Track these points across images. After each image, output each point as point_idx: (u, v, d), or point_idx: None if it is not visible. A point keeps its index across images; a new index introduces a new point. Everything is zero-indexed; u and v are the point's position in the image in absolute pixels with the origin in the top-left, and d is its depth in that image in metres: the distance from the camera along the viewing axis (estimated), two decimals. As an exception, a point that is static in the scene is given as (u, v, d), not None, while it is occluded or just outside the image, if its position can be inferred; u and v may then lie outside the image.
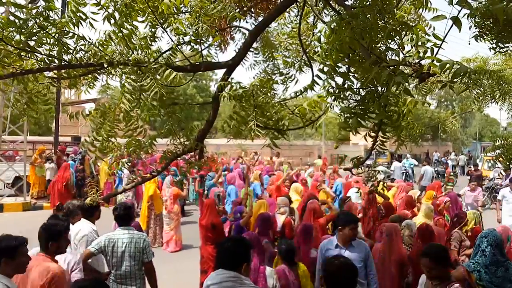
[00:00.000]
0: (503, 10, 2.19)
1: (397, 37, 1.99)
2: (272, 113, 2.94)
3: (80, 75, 3.11)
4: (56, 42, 2.89)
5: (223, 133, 28.70)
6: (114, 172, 11.01)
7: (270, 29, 4.53)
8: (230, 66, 3.10)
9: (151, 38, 3.08)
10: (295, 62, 4.38)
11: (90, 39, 3.02)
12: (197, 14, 2.71)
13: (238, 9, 3.55)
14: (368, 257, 3.72)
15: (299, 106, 2.36)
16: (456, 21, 1.61)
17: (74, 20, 2.84)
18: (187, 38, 2.88)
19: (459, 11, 1.70)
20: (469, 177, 14.62)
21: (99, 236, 3.80)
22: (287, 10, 4.02)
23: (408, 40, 2.03)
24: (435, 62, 1.67)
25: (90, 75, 3.20)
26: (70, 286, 2.35)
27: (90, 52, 2.91)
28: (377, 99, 2.35)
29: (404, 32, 2.00)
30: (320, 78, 2.84)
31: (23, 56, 2.91)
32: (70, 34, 2.93)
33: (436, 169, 21.13)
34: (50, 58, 2.92)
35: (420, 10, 2.96)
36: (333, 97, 2.57)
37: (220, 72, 3.44)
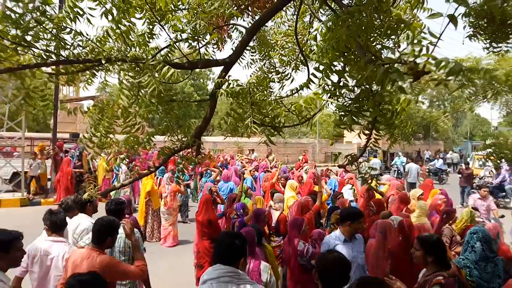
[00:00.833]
0: (499, 9, 2.25)
1: (393, 35, 2.03)
2: (269, 110, 2.96)
3: (78, 71, 3.10)
4: (53, 37, 2.89)
5: (220, 131, 28.67)
6: (112, 168, 11.04)
7: (267, 28, 4.56)
8: (227, 64, 3.13)
9: (149, 35, 3.09)
10: (291, 60, 4.42)
11: (87, 35, 3.02)
12: (195, 11, 2.73)
13: (235, 7, 3.57)
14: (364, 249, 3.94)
15: (295, 103, 2.39)
16: (453, 19, 1.64)
17: (71, 16, 2.84)
18: (184, 35, 2.89)
19: (456, 9, 1.74)
20: (460, 176, 14.79)
21: None
22: (284, 8, 4.05)
23: (403, 38, 2.07)
24: (430, 60, 1.71)
25: (88, 72, 3.20)
26: (68, 280, 2.36)
27: (87, 48, 2.90)
28: (372, 97, 2.40)
29: (400, 30, 2.04)
30: (316, 76, 2.88)
31: (19, 51, 2.90)
32: (68, 30, 2.92)
33: (427, 167, 21.37)
34: (47, 54, 2.92)
35: (415, 10, 3.00)
36: (329, 94, 2.61)
37: (217, 71, 3.47)
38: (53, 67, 3.19)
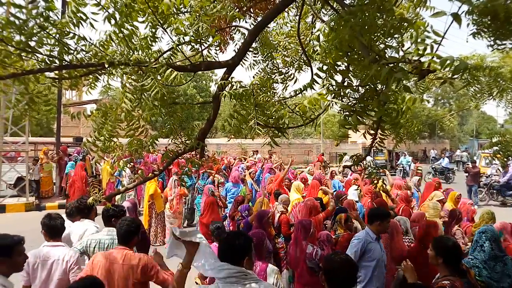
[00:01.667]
0: (503, 7, 2.22)
1: (397, 34, 2.01)
2: (272, 111, 2.95)
3: (81, 75, 3.11)
4: (56, 43, 2.90)
5: (223, 133, 28.70)
6: (115, 171, 11.07)
7: (269, 29, 4.55)
8: (230, 65, 3.12)
9: (152, 39, 3.10)
10: (294, 61, 4.40)
11: (90, 39, 3.02)
12: (197, 14, 2.72)
13: (237, 9, 3.56)
14: None
15: (299, 104, 2.38)
16: (456, 18, 1.63)
17: (74, 21, 2.85)
18: (187, 38, 2.89)
19: (459, 7, 1.72)
20: (466, 174, 14.68)
21: None
22: (286, 10, 4.04)
23: (407, 37, 2.05)
24: (435, 58, 1.69)
25: (91, 76, 3.21)
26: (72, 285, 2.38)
27: (91, 53, 2.91)
28: (376, 97, 2.38)
29: (403, 29, 2.02)
30: (319, 77, 2.87)
31: (23, 57, 2.91)
32: (71, 35, 2.93)
33: (433, 166, 21.26)
34: (51, 59, 2.93)
35: (418, 9, 2.98)
36: (333, 94, 2.59)
37: (219, 73, 3.48)
38: (56, 72, 3.21)
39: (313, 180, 8.25)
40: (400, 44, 2.08)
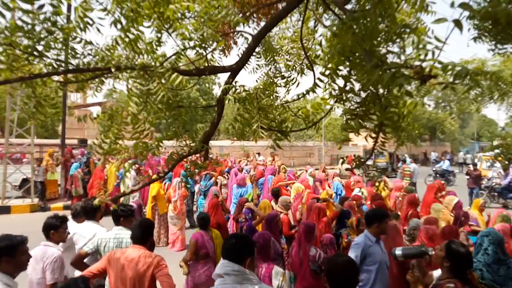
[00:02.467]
0: (505, 12, 2.26)
1: (399, 40, 2.05)
2: (276, 115, 3.00)
3: (87, 79, 3.16)
4: (63, 47, 2.95)
5: (226, 135, 28.76)
6: (119, 170, 11.05)
7: (272, 34, 4.60)
8: (234, 70, 3.17)
9: (157, 43, 3.15)
10: (297, 65, 4.45)
11: (97, 43, 3.08)
12: (202, 20, 2.77)
13: (241, 14, 3.61)
14: None
15: (303, 108, 2.42)
16: (458, 24, 1.67)
17: (81, 25, 2.90)
18: (192, 43, 2.94)
19: (461, 14, 1.77)
20: (468, 177, 14.68)
21: None
22: (289, 14, 4.09)
23: (409, 43, 2.10)
24: (436, 64, 1.73)
25: (97, 79, 3.26)
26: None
27: (98, 57, 2.96)
28: (378, 101, 2.42)
29: (405, 35, 2.06)
30: (322, 81, 2.91)
31: (31, 61, 2.96)
32: (78, 39, 2.99)
33: (434, 168, 21.25)
34: (58, 63, 2.98)
35: (419, 14, 3.03)
36: (336, 99, 2.63)
37: (222, 76, 3.53)
38: (63, 75, 3.26)
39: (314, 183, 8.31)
40: (401, 50, 2.12)
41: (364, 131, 2.87)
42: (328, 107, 2.83)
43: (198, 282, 4.41)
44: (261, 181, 9.88)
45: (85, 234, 3.91)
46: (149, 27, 3.03)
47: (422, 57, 1.92)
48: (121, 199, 9.07)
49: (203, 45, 2.92)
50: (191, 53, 3.34)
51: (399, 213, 6.70)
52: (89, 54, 3.06)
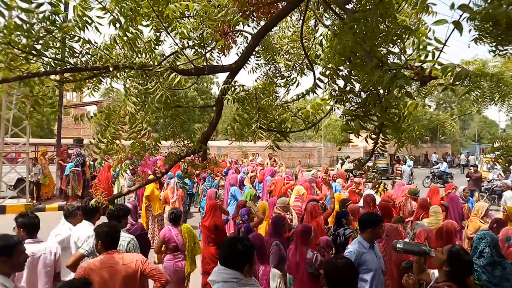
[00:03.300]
0: (505, 14, 2.24)
1: (399, 41, 2.03)
2: (275, 115, 2.97)
3: (85, 78, 3.14)
4: (62, 46, 2.93)
5: (224, 135, 28.76)
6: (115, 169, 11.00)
7: (271, 33, 4.57)
8: (233, 69, 3.14)
9: (155, 42, 3.13)
10: (296, 65, 4.43)
11: (95, 42, 3.05)
12: (202, 19, 2.75)
13: (240, 13, 3.59)
14: None
15: (302, 109, 2.40)
16: (458, 25, 1.65)
17: (80, 24, 2.89)
18: (191, 42, 2.92)
19: (461, 15, 1.75)
20: (468, 179, 14.67)
21: None
22: (289, 14, 4.06)
23: (409, 44, 2.08)
24: (436, 65, 1.71)
25: (95, 78, 3.24)
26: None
27: (96, 56, 2.94)
28: (378, 102, 2.40)
29: (406, 36, 2.04)
30: (322, 81, 2.89)
31: (30, 60, 2.94)
32: (76, 38, 2.97)
33: (432, 170, 21.24)
34: (56, 62, 2.96)
35: (420, 14, 3.00)
36: (336, 99, 2.61)
37: (221, 75, 3.51)
38: (61, 74, 3.24)
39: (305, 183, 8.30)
40: (402, 51, 2.10)
41: (364, 132, 2.85)
42: (328, 107, 2.81)
43: (168, 272, 4.67)
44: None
45: (81, 234, 3.88)
46: (147, 26, 3.01)
47: (422, 58, 1.90)
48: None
49: (202, 44, 2.90)
50: (189, 52, 3.32)
51: (400, 214, 6.68)
52: (87, 53, 3.05)
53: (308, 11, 3.84)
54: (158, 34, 3.07)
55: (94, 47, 3.02)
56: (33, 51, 2.83)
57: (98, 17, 2.91)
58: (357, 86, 2.60)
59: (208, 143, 3.47)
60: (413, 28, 2.15)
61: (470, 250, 3.54)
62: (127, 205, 4.52)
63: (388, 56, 2.26)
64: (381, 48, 2.30)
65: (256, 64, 4.43)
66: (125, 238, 3.77)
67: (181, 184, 7.86)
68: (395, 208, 6.86)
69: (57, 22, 2.82)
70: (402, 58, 2.10)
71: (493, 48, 3.61)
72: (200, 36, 2.75)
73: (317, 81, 3.01)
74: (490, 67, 6.28)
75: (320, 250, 4.18)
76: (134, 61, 2.93)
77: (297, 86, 4.41)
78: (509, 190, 9.76)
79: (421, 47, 1.82)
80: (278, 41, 4.57)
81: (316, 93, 3.35)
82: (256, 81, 4.33)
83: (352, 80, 2.45)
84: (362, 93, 2.65)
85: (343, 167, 11.66)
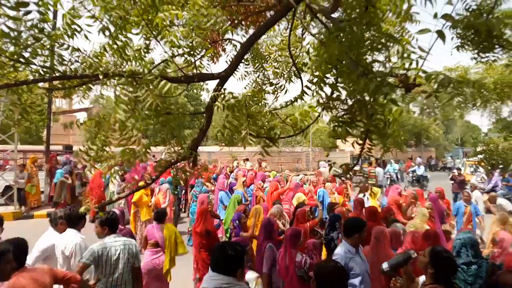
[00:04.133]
0: (485, 24, 2.34)
1: (384, 49, 2.10)
2: (264, 122, 3.02)
3: (75, 86, 3.14)
4: (50, 54, 2.93)
5: (214, 141, 28.67)
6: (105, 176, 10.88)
7: (260, 41, 4.64)
8: (223, 77, 3.18)
9: (145, 50, 3.15)
10: (284, 72, 4.49)
11: (85, 50, 3.06)
12: (191, 28, 2.78)
13: (229, 22, 3.64)
14: None
15: (291, 116, 2.45)
16: (441, 35, 1.72)
17: (69, 32, 2.89)
18: (181, 50, 2.95)
19: (444, 25, 1.82)
20: (452, 182, 14.94)
21: (86, 246, 3.77)
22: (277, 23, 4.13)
23: (394, 52, 2.15)
24: (420, 73, 1.78)
25: (84, 86, 3.23)
26: None
27: (85, 64, 2.95)
28: (364, 109, 2.46)
29: (390, 45, 2.11)
30: (309, 89, 2.95)
31: (17, 67, 2.93)
32: (65, 46, 2.97)
33: (409, 173, 21.54)
34: (45, 69, 2.96)
35: (403, 23, 3.10)
36: (323, 107, 2.67)
37: (210, 82, 3.55)
38: (50, 82, 3.23)
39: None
40: (387, 59, 2.17)
41: (351, 138, 2.91)
42: (315, 114, 2.87)
43: (146, 268, 4.88)
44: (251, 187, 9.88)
45: (68, 242, 3.83)
46: (137, 34, 3.03)
47: (406, 66, 1.98)
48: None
49: (192, 52, 2.93)
50: (179, 60, 3.35)
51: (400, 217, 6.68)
52: (76, 61, 3.05)
53: (295, 20, 3.91)
54: (147, 42, 3.09)
55: (84, 55, 3.02)
56: (21, 59, 2.83)
57: (87, 25, 2.92)
58: (344, 94, 2.67)
59: (198, 148, 3.49)
60: (397, 36, 2.23)
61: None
62: (115, 211, 4.49)
63: (373, 64, 2.33)
64: (366, 56, 2.38)
65: (245, 71, 4.48)
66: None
67: (171, 190, 7.84)
68: (402, 213, 6.80)
69: (45, 30, 2.82)
70: (387, 66, 2.17)
71: (475, 55, 3.75)
72: (190, 44, 2.79)
73: (304, 88, 3.07)
74: (472, 74, 6.47)
75: (308, 253, 4.22)
76: (124, 69, 2.94)
77: (285, 93, 4.47)
78: (476, 190, 9.96)
79: (405, 55, 1.89)
80: (266, 49, 4.63)
81: (303, 100, 3.42)
82: (245, 88, 4.38)
83: (338, 87, 2.51)
84: (348, 100, 2.71)
85: (331, 171, 11.72)
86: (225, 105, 2.84)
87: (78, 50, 3.01)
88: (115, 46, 2.97)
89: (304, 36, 4.55)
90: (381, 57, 2.39)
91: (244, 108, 2.92)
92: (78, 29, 2.89)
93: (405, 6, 2.26)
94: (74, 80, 3.15)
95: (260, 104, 3.26)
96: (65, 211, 4.06)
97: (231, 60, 3.66)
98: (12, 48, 2.81)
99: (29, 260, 3.48)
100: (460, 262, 3.42)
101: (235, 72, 3.76)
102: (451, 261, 2.91)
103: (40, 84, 3.29)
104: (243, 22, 4.18)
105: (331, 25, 2.73)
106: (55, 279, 3.01)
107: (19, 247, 2.91)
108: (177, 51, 2.96)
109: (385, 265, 3.21)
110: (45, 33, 2.83)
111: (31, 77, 3.04)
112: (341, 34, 2.24)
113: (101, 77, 2.83)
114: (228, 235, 6.04)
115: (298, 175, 15.21)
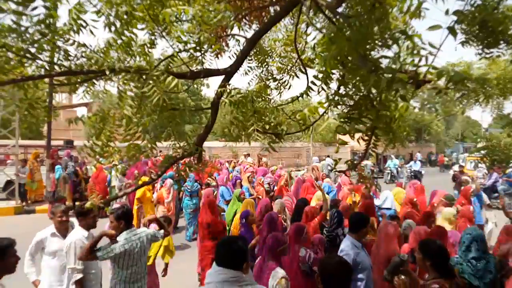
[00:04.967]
0: (495, 18, 2.33)
1: (395, 45, 2.09)
2: (271, 118, 3.02)
3: (80, 81, 3.13)
4: (56, 49, 2.92)
5: (214, 136, 28.67)
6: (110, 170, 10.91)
7: (263, 36, 4.61)
8: (229, 73, 3.18)
9: (150, 45, 3.13)
10: (289, 68, 4.48)
11: (90, 46, 3.05)
12: (198, 23, 2.77)
13: (233, 17, 3.62)
14: None
15: (299, 112, 2.45)
16: (452, 31, 1.72)
17: (75, 28, 2.88)
18: (187, 46, 2.94)
19: (455, 21, 1.81)
20: (454, 181, 14.95)
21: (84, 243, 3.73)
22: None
23: (403, 48, 2.14)
24: (431, 69, 1.78)
25: (89, 81, 3.23)
26: None
27: (92, 60, 2.94)
28: (371, 105, 2.46)
29: (400, 40, 2.11)
30: (315, 84, 2.95)
31: (23, 63, 2.92)
32: (71, 41, 2.96)
33: (404, 168, 21.58)
34: (51, 65, 2.95)
35: (411, 19, 3.08)
36: (330, 102, 2.66)
37: (212, 78, 3.54)
38: (55, 77, 3.22)
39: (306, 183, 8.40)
40: (396, 55, 2.16)
41: (357, 133, 2.92)
42: (322, 110, 2.87)
43: None
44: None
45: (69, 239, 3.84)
46: (143, 29, 3.02)
47: (416, 62, 1.97)
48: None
49: (198, 48, 2.93)
50: (184, 56, 3.33)
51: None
52: (82, 57, 3.03)
53: (301, 16, 3.89)
54: (153, 38, 3.08)
55: (90, 50, 3.01)
56: (27, 55, 2.82)
57: (93, 20, 2.91)
58: (351, 90, 2.66)
59: (201, 144, 3.49)
60: (406, 32, 2.22)
61: None
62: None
63: (382, 59, 2.32)
64: (375, 52, 2.37)
65: (248, 67, 4.47)
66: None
67: (175, 185, 7.88)
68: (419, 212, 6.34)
69: (51, 26, 2.81)
70: (396, 62, 2.16)
71: (480, 51, 3.74)
72: (197, 40, 2.78)
73: (310, 84, 3.06)
74: (474, 69, 6.45)
75: (314, 247, 4.24)
76: (129, 65, 2.93)
77: (289, 88, 4.47)
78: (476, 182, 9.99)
79: (415, 51, 1.88)
80: (270, 44, 4.61)
81: (309, 95, 3.42)
82: (249, 83, 4.37)
83: (347, 83, 2.51)
84: (354, 96, 2.71)
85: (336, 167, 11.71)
86: (231, 101, 2.84)
87: (83, 45, 3.00)
88: (119, 42, 2.96)
89: (309, 31, 4.54)
90: (390, 53, 2.38)
91: (250, 104, 2.92)
92: (84, 24, 2.89)
93: (415, 1, 2.25)
94: (80, 76, 3.14)
95: (265, 99, 3.26)
96: (76, 208, 4.07)
97: (236, 55, 3.65)
98: (18, 44, 2.80)
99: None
100: (470, 256, 3.46)
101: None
102: (441, 248, 3.01)
103: (45, 80, 3.29)
104: (247, 17, 4.16)
105: (337, 19, 2.72)
106: None
107: None
108: (184, 46, 2.95)
109: (384, 273, 3.25)
110: (51, 29, 2.82)
111: (36, 73, 3.03)
112: (350, 30, 2.23)
113: (107, 72, 2.82)
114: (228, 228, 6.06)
115: (299, 170, 15.24)
